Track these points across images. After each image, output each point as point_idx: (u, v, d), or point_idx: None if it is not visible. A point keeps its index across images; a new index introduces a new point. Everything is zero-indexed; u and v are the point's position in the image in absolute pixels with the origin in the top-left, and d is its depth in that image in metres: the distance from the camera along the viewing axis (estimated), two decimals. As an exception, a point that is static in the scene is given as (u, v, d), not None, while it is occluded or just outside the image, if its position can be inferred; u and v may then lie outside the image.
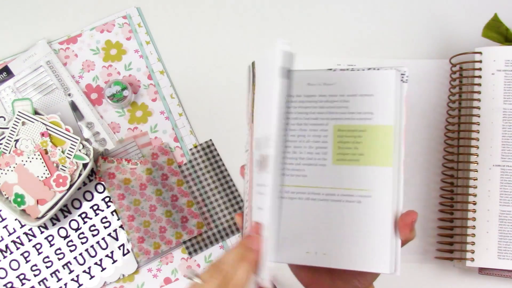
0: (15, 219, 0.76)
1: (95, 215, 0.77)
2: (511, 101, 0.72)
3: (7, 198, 0.73)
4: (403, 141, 0.49)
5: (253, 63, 0.52)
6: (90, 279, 0.75)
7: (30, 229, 0.76)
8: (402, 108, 0.49)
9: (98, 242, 0.76)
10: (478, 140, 0.72)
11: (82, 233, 0.76)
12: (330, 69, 0.51)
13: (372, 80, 0.50)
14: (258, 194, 0.49)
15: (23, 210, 0.73)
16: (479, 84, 0.73)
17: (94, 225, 0.77)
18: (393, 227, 0.49)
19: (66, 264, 0.75)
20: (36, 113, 0.75)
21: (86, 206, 0.77)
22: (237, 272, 0.43)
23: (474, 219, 0.71)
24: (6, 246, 0.76)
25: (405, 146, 0.49)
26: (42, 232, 0.76)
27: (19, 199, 0.73)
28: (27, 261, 0.75)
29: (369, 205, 0.49)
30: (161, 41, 0.83)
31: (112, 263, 0.76)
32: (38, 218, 0.73)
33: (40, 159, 0.73)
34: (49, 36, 0.82)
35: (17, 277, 0.75)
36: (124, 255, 0.76)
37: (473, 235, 0.70)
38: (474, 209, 0.71)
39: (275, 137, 0.45)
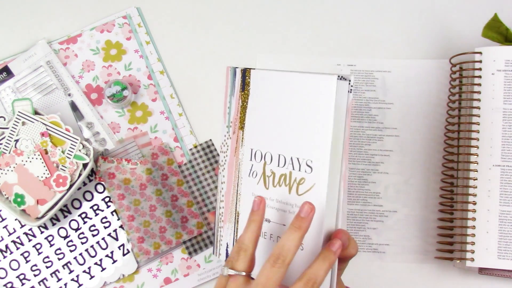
0: (15, 219, 0.76)
1: (95, 215, 0.77)
2: (511, 101, 0.72)
3: (7, 198, 0.73)
4: (346, 157, 0.50)
5: (247, 70, 0.52)
6: (90, 279, 0.75)
7: (30, 229, 0.76)
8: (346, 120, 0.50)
9: (98, 242, 0.76)
10: (478, 140, 0.72)
11: (82, 233, 0.76)
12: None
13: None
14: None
15: (23, 210, 0.73)
16: (479, 84, 0.73)
17: (94, 225, 0.77)
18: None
19: (66, 264, 0.75)
20: (36, 113, 0.75)
21: (86, 206, 0.77)
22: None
23: (474, 219, 0.71)
24: (6, 246, 0.76)
25: (346, 162, 0.50)
26: (42, 232, 0.76)
27: (19, 199, 0.73)
28: (27, 261, 0.75)
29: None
30: (161, 41, 0.83)
31: (112, 263, 0.76)
32: (38, 218, 0.73)
33: (40, 159, 0.73)
34: (49, 36, 0.82)
35: (17, 277, 0.75)
36: (124, 255, 0.76)
37: (473, 235, 0.70)
38: (474, 209, 0.71)
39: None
